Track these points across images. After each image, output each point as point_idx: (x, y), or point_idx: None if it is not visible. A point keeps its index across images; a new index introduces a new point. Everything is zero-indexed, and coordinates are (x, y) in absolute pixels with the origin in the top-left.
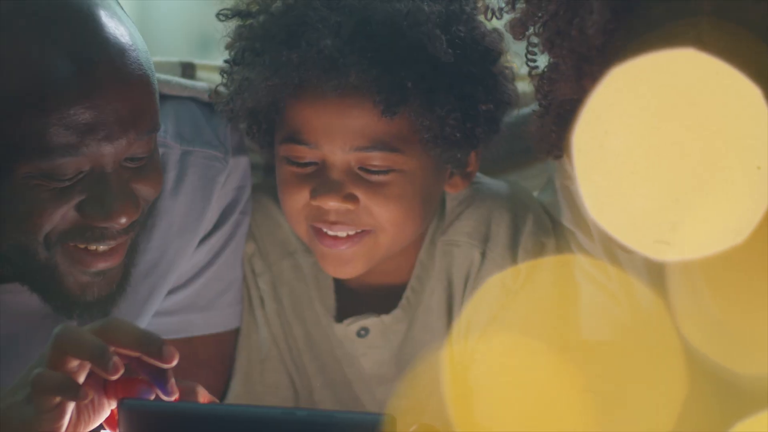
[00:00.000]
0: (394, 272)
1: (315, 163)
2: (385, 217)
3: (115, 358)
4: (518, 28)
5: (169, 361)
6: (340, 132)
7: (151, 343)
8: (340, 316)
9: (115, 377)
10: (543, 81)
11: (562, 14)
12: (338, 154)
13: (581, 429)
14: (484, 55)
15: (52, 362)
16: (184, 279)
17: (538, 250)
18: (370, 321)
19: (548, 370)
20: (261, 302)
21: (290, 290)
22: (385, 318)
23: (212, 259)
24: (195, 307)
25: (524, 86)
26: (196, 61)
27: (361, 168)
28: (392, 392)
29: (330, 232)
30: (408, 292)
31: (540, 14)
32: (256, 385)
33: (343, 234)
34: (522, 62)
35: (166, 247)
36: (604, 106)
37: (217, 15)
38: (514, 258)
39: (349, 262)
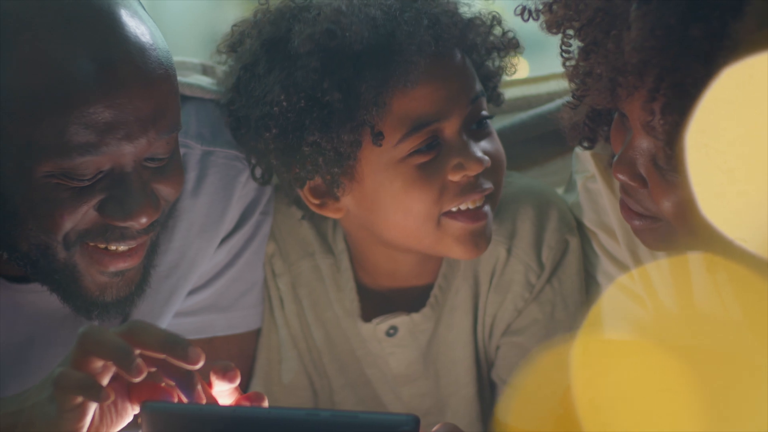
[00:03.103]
0: (421, 273)
1: (437, 145)
2: (501, 166)
3: (139, 361)
4: (554, 27)
5: (195, 363)
6: (463, 88)
7: (177, 345)
8: (363, 316)
9: (138, 379)
10: (576, 81)
11: (599, 22)
12: (462, 113)
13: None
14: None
15: (75, 362)
16: (204, 279)
17: (562, 247)
18: (399, 320)
19: (657, 371)
20: (281, 303)
21: (309, 291)
22: (415, 316)
23: (233, 260)
24: (216, 308)
25: (540, 87)
26: (218, 65)
27: (472, 126)
28: (418, 392)
29: (476, 204)
30: (436, 290)
31: (577, 17)
32: (274, 386)
33: (484, 204)
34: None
35: (186, 248)
36: (704, 106)
37: (302, 43)
38: (538, 254)
39: (487, 232)
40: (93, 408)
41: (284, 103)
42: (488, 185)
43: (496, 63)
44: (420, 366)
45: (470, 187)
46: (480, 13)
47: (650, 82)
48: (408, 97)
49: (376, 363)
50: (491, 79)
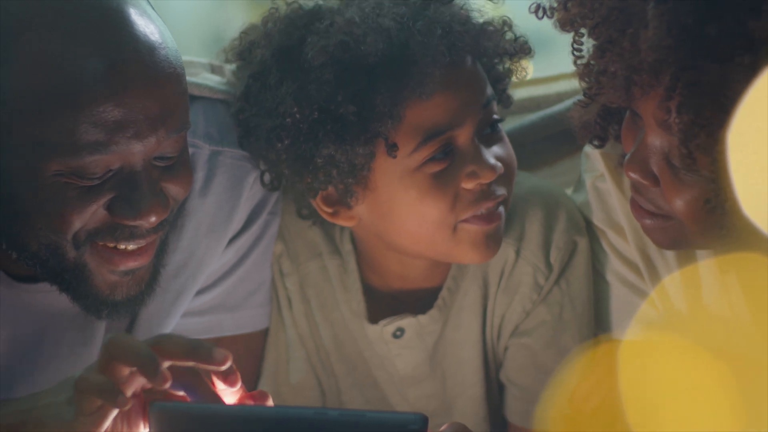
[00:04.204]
0: (431, 276)
1: (450, 151)
2: (513, 170)
3: (164, 369)
4: (567, 25)
5: (223, 363)
6: (475, 94)
7: (202, 350)
8: (370, 318)
9: (163, 387)
10: (590, 80)
11: (614, 20)
12: (474, 120)
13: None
14: None
15: (101, 367)
16: (212, 279)
17: (571, 248)
18: (406, 321)
19: (698, 371)
20: (288, 303)
21: (318, 291)
22: (422, 318)
23: (241, 259)
24: (224, 308)
25: (549, 88)
26: (226, 64)
27: (484, 131)
28: (425, 393)
29: (490, 208)
30: (444, 292)
31: (591, 15)
32: (282, 386)
33: (499, 207)
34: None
35: (195, 247)
36: (744, 107)
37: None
38: (546, 256)
39: (500, 234)
40: (111, 416)
41: (297, 115)
42: (501, 191)
43: (506, 66)
44: (427, 367)
45: (484, 195)
46: (491, 19)
47: (666, 81)
48: (421, 107)
49: (383, 364)
50: (500, 82)
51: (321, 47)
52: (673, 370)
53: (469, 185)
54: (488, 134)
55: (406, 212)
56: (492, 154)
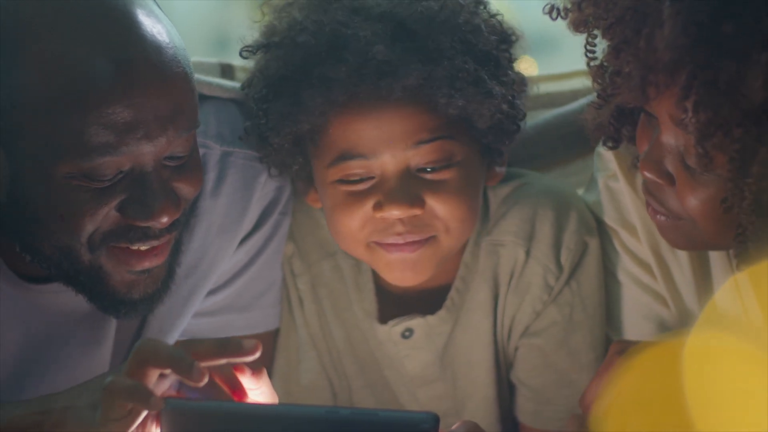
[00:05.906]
0: (438, 275)
1: (370, 178)
2: (450, 215)
3: (199, 365)
4: (581, 26)
5: (254, 352)
6: (399, 132)
7: (231, 344)
8: (381, 318)
9: (200, 384)
10: (604, 81)
11: (628, 20)
12: (398, 156)
13: None
14: (506, 39)
15: (130, 372)
16: (224, 279)
17: (581, 249)
18: (415, 322)
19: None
20: (300, 303)
21: (330, 291)
22: (430, 319)
23: (252, 260)
24: (235, 308)
25: (563, 85)
26: (235, 62)
27: (419, 170)
28: (436, 393)
29: (407, 240)
30: (452, 293)
31: (605, 16)
32: (293, 386)
33: (425, 239)
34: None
35: (206, 248)
36: None
37: (241, 53)
38: (557, 256)
39: (416, 265)
40: (138, 420)
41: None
42: (416, 233)
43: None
44: (437, 368)
45: (393, 228)
46: (446, 58)
47: (683, 80)
48: (341, 128)
49: (392, 365)
50: (481, 109)
51: (256, 43)
52: (733, 372)
53: (376, 214)
54: (430, 172)
55: (328, 218)
56: (418, 193)
